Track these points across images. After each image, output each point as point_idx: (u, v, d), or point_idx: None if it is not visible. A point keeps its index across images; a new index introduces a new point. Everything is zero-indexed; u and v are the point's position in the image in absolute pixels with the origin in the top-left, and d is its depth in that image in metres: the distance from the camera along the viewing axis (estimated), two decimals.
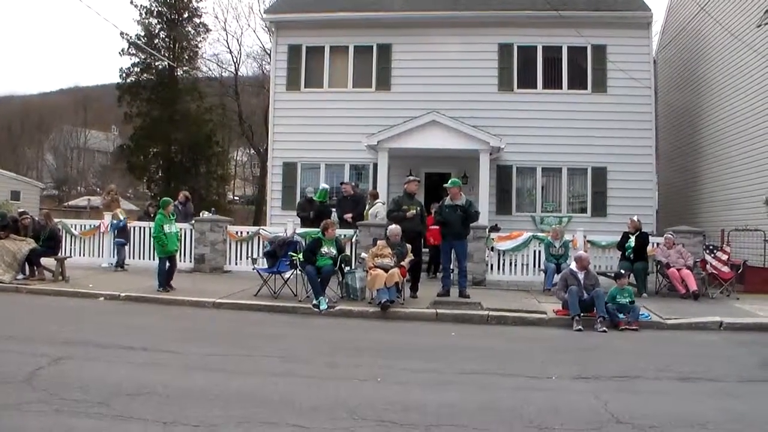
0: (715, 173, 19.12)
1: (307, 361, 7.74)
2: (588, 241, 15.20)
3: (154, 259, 16.17)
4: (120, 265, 16.01)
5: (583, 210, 19.30)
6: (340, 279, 12.41)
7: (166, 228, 13.09)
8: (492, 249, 15.26)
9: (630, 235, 14.29)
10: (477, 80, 19.41)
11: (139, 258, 16.56)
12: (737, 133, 17.59)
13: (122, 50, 40.30)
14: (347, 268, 12.59)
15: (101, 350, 7.91)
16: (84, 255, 16.77)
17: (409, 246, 12.23)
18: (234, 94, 42.15)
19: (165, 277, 12.82)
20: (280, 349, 8.31)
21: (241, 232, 16.54)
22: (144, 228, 16.67)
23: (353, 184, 17.35)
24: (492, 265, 15.32)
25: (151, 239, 16.35)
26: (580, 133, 18.86)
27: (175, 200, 16.81)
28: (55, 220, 15.74)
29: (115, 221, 16.46)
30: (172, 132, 38.63)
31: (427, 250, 14.76)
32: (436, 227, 13.36)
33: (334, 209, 17.17)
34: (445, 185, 12.86)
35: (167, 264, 13.02)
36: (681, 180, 22.38)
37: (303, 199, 17.30)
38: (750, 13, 16.79)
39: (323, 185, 17.74)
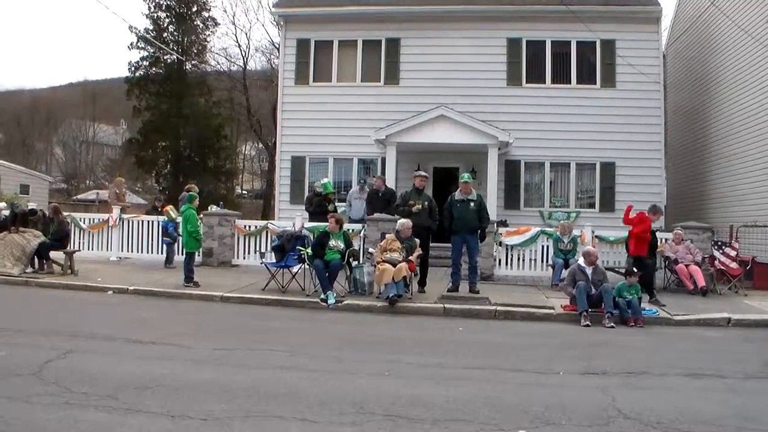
0: (725, 169, 19.03)
1: (314, 355, 7.75)
2: (596, 237, 15.17)
3: (161, 253, 16.33)
4: (170, 262, 15.73)
5: (592, 205, 19.27)
6: (348, 273, 12.41)
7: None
8: (500, 244, 15.26)
9: None
10: (486, 75, 19.38)
11: (148, 252, 16.60)
12: (747, 128, 17.48)
13: (131, 44, 40.29)
14: (355, 263, 12.61)
15: (110, 343, 7.96)
16: (93, 249, 16.81)
17: (417, 240, 12.24)
18: (242, 88, 42.19)
19: (192, 272, 12.82)
20: (287, 343, 8.33)
21: (249, 227, 16.57)
22: (152, 222, 16.69)
23: (384, 177, 17.17)
24: (500, 260, 15.32)
25: (158, 233, 16.54)
26: (589, 128, 18.83)
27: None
28: (64, 213, 15.79)
29: (165, 220, 16.10)
30: (181, 126, 38.72)
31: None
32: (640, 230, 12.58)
33: (343, 203, 17.23)
34: (461, 181, 12.73)
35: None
36: (690, 175, 22.28)
37: (311, 194, 17.31)
38: (760, 8, 16.67)
39: (326, 179, 17.68)
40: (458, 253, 12.59)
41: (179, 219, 15.29)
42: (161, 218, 16.75)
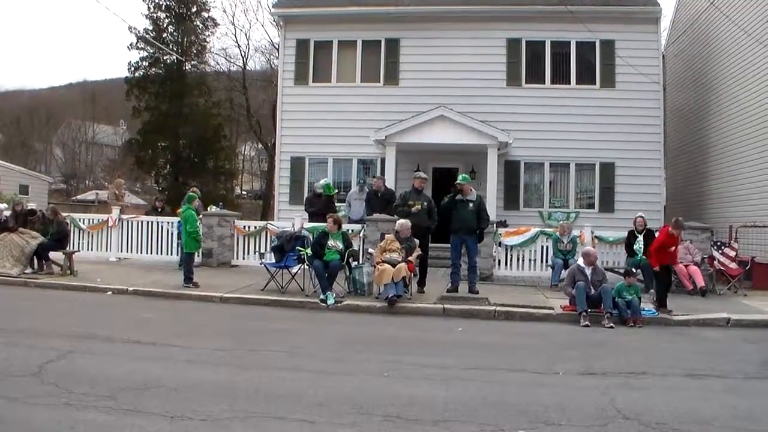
0: (724, 169, 19.04)
1: (313, 355, 7.76)
2: (595, 237, 15.17)
3: (161, 254, 16.35)
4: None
5: (591, 206, 19.26)
6: (348, 274, 12.42)
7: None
8: (499, 244, 15.26)
9: (637, 235, 14.20)
10: (485, 75, 19.37)
11: (147, 252, 16.59)
12: (746, 128, 17.49)
13: (131, 44, 40.23)
14: (354, 263, 12.61)
15: (109, 344, 7.96)
16: (92, 249, 16.79)
17: (416, 241, 12.24)
18: (242, 88, 42.14)
19: (192, 273, 12.82)
20: (287, 344, 8.33)
21: (249, 227, 16.56)
22: (151, 223, 16.68)
23: (384, 178, 17.17)
24: (499, 261, 15.32)
25: (157, 233, 16.52)
26: (589, 129, 18.82)
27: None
28: (63, 214, 15.78)
29: (179, 221, 15.73)
30: (180, 126, 38.71)
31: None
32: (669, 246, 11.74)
33: (342, 203, 17.20)
34: (456, 182, 12.67)
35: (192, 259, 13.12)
36: (689, 175, 22.30)
37: (311, 194, 17.30)
38: (760, 8, 16.68)
39: (326, 180, 17.72)
40: (457, 254, 12.56)
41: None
42: (161, 219, 16.79)
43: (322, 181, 17.26)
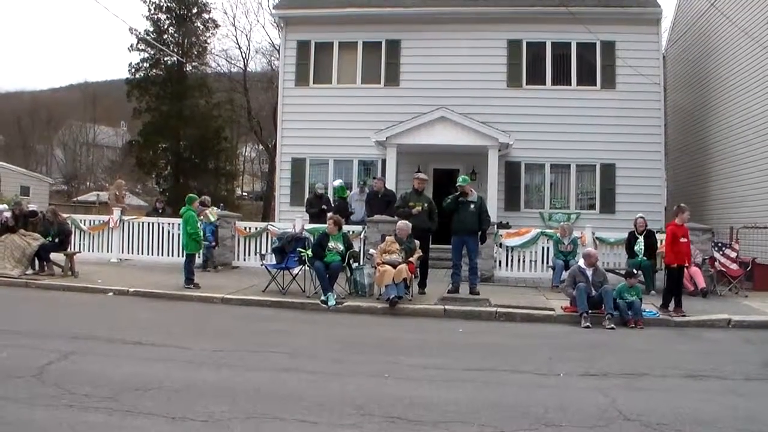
0: (725, 170, 19.02)
1: (314, 356, 7.76)
2: (596, 238, 15.17)
3: (162, 255, 16.37)
4: (207, 265, 15.58)
5: (592, 207, 19.25)
6: (349, 275, 12.43)
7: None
8: (500, 245, 15.26)
9: (638, 236, 14.17)
10: (486, 76, 19.37)
11: (148, 253, 16.61)
12: (747, 129, 17.47)
13: (131, 46, 40.08)
14: (355, 264, 12.61)
15: (110, 345, 7.96)
16: (93, 250, 16.82)
17: (417, 242, 12.23)
18: (243, 89, 42.10)
19: (193, 274, 12.85)
20: (288, 345, 8.33)
21: (250, 228, 16.59)
22: (152, 224, 16.72)
23: (384, 179, 17.16)
24: (500, 262, 15.33)
25: (158, 234, 16.57)
26: (589, 130, 18.80)
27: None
28: (64, 215, 15.79)
29: (204, 222, 15.41)
30: (181, 128, 38.63)
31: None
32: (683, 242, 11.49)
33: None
34: (457, 184, 12.58)
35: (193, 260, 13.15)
36: (690, 176, 22.27)
37: (312, 195, 17.33)
38: (760, 10, 16.67)
39: (340, 181, 17.66)
40: (458, 255, 12.52)
41: (217, 222, 15.65)
42: (162, 220, 16.84)
43: (336, 183, 17.27)
